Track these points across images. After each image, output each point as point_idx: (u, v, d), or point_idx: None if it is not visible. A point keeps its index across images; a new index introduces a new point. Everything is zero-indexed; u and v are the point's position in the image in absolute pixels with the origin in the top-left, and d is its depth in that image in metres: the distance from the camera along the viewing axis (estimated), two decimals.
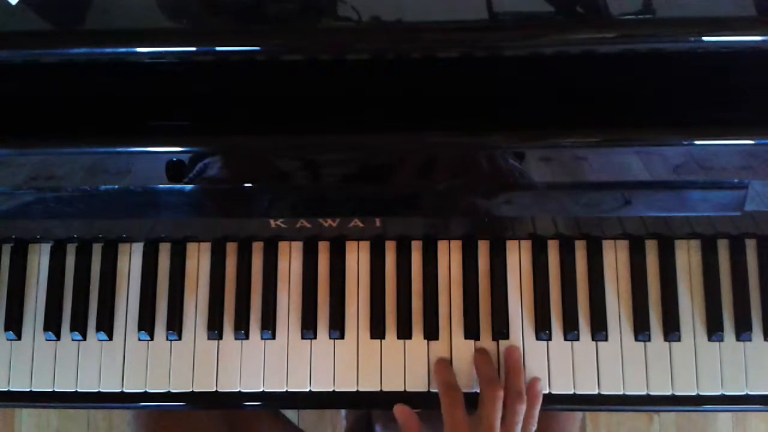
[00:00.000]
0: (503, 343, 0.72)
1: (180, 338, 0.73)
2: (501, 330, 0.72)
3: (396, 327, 0.72)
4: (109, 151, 0.60)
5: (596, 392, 0.71)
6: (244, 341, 0.73)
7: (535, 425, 0.69)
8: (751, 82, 0.59)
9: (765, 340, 0.71)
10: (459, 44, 0.54)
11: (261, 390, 0.72)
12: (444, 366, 0.71)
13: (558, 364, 0.71)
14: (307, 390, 0.72)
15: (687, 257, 0.73)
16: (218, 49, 0.54)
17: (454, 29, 0.54)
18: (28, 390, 0.73)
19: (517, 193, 0.62)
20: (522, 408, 0.67)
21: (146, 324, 0.73)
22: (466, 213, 0.65)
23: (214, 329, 0.73)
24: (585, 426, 1.38)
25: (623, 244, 0.73)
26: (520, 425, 0.67)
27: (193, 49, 0.54)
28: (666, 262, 0.72)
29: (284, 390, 0.72)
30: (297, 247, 0.74)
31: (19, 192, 0.63)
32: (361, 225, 0.69)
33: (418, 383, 0.72)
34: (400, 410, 0.70)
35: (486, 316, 0.72)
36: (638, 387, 0.71)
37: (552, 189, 0.62)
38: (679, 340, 0.71)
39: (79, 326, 0.73)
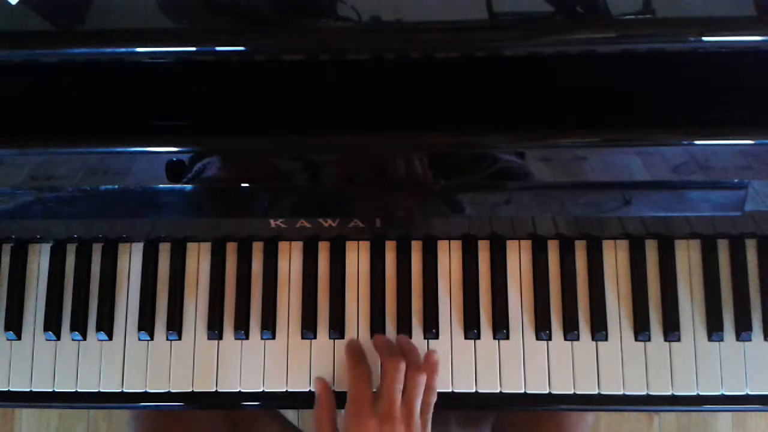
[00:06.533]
0: (504, 344, 0.72)
1: (180, 338, 0.73)
2: (501, 330, 0.72)
3: (396, 327, 0.72)
4: (109, 151, 0.60)
5: (596, 392, 0.71)
6: (244, 341, 0.73)
7: (435, 397, 0.69)
8: (751, 82, 0.59)
9: (765, 340, 0.71)
10: (459, 44, 0.54)
11: (261, 390, 0.72)
12: (355, 341, 0.72)
13: (558, 364, 0.71)
14: (307, 390, 0.72)
15: (687, 257, 0.73)
16: (218, 49, 0.54)
17: (454, 29, 0.54)
18: (28, 390, 0.73)
19: (517, 193, 0.62)
20: (422, 379, 0.67)
21: (146, 324, 0.73)
22: (466, 213, 0.64)
23: (214, 329, 0.73)
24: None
25: (623, 244, 0.73)
26: (420, 397, 0.67)
27: (193, 49, 0.54)
28: (666, 262, 0.72)
29: (284, 390, 0.72)
30: (297, 247, 0.74)
31: (19, 192, 0.63)
32: (361, 225, 0.69)
33: None
34: (319, 382, 0.71)
35: (486, 316, 0.72)
36: (638, 387, 0.71)
37: (552, 189, 0.62)
38: (679, 340, 0.71)
39: (79, 326, 0.73)
